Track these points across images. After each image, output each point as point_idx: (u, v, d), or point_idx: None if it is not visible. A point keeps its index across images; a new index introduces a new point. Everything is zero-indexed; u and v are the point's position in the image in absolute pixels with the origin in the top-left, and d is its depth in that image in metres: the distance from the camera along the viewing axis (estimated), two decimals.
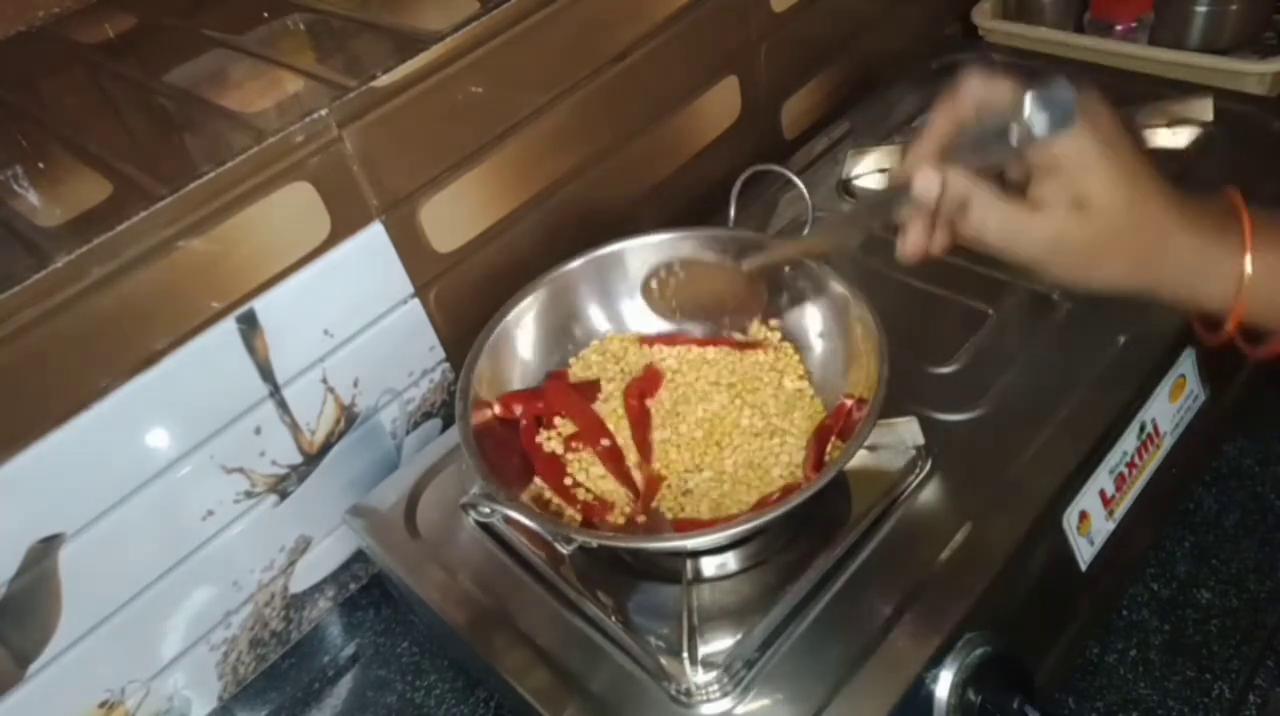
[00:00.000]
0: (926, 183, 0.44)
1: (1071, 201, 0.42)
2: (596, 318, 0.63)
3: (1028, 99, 0.40)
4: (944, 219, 0.45)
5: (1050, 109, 0.40)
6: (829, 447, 0.53)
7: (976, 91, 0.43)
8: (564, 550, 0.48)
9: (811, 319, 0.60)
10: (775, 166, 0.63)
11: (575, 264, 0.62)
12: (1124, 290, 0.44)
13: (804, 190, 0.60)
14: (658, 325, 0.64)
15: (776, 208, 0.77)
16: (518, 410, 0.58)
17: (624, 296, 0.63)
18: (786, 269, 0.60)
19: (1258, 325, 0.44)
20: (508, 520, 0.56)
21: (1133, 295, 0.44)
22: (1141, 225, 0.42)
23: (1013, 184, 0.45)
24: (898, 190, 0.45)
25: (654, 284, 0.61)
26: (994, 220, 0.43)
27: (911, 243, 0.46)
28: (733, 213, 0.63)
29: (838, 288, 0.57)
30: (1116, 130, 0.42)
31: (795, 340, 0.61)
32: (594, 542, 0.51)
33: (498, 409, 0.57)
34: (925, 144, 0.45)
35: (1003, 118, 0.41)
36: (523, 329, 0.60)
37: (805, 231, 0.60)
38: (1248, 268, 0.42)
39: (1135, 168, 0.42)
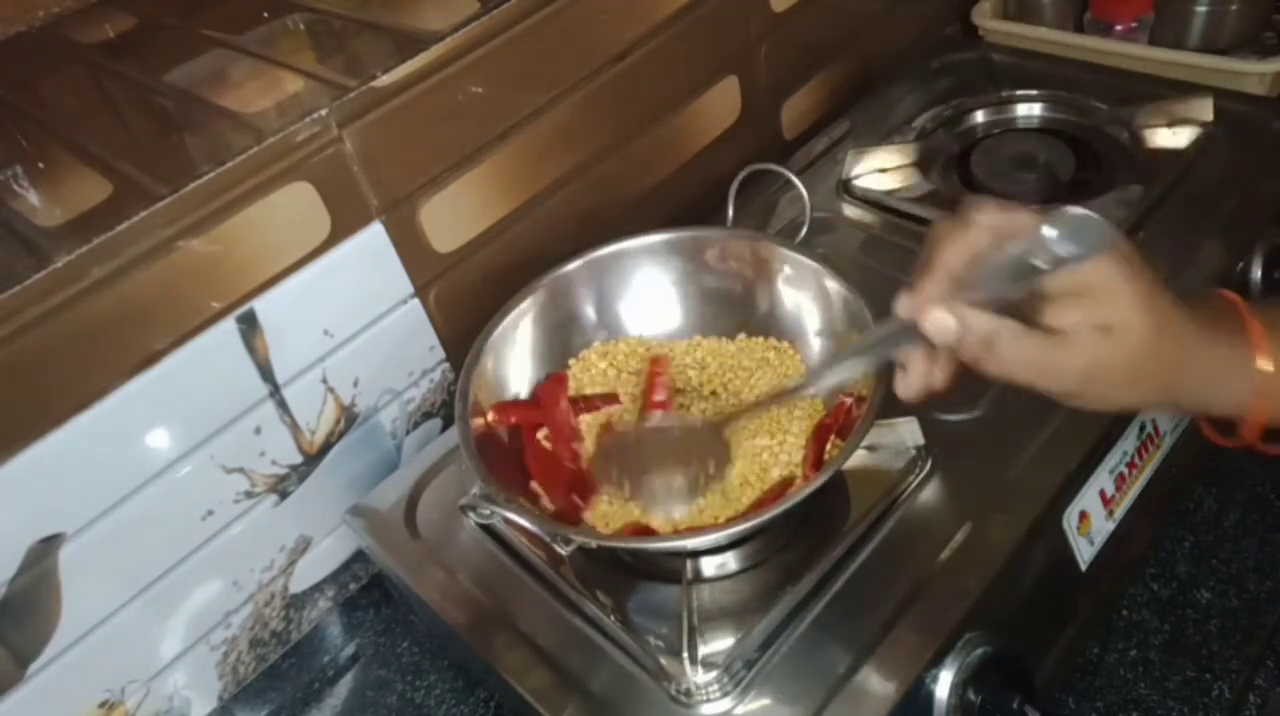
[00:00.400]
0: (942, 324, 0.41)
1: (1099, 328, 0.40)
2: (597, 318, 0.63)
3: (1056, 223, 0.39)
4: (954, 355, 0.43)
5: (1080, 233, 0.39)
6: (828, 446, 0.53)
7: (992, 221, 0.41)
8: (562, 551, 0.49)
9: (810, 317, 0.60)
10: (774, 166, 0.63)
11: (574, 265, 0.61)
12: (1149, 407, 0.44)
13: (802, 190, 0.61)
14: (659, 327, 0.64)
15: (776, 207, 0.77)
16: (512, 419, 0.58)
17: (623, 297, 0.63)
18: (785, 270, 0.60)
19: (1273, 423, 0.44)
20: (507, 521, 0.56)
21: (1154, 409, 0.43)
22: (1168, 344, 0.41)
23: (1021, 316, 0.42)
24: (904, 330, 0.42)
25: (611, 472, 0.54)
26: (1025, 355, 0.41)
27: (916, 381, 0.44)
28: (730, 212, 0.63)
29: (837, 287, 0.57)
30: (1134, 253, 0.41)
31: (795, 339, 0.61)
32: (593, 543, 0.51)
33: (491, 416, 0.56)
34: (934, 280, 0.42)
35: (1027, 245, 0.40)
36: (522, 331, 0.60)
37: (803, 232, 0.59)
38: (1262, 367, 0.42)
39: (1156, 287, 0.41)
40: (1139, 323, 0.41)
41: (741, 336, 0.62)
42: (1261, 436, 0.45)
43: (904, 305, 0.43)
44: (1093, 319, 0.41)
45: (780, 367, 0.60)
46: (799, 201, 0.76)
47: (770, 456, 0.55)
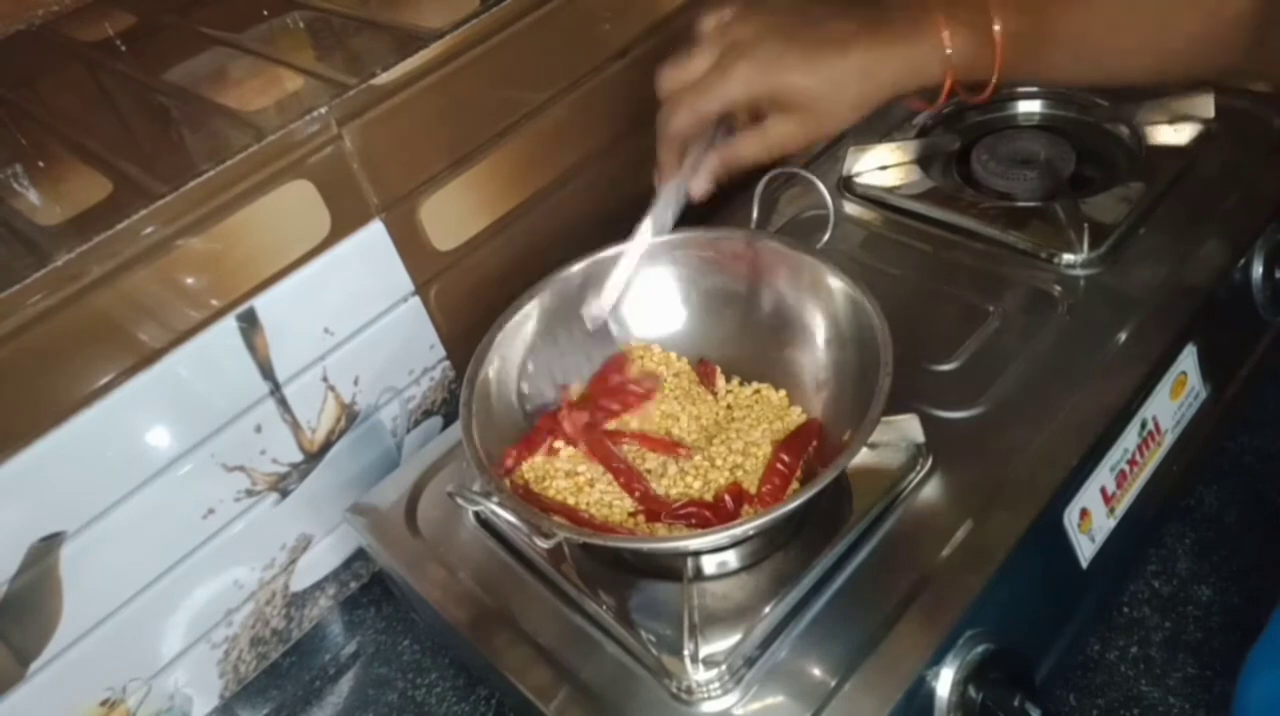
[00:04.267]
0: (700, 186, 0.58)
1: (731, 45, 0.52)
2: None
3: None
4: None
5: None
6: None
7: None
8: (543, 544, 0.48)
9: (814, 315, 0.59)
10: (799, 170, 0.63)
11: (579, 265, 0.61)
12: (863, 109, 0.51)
13: (826, 196, 0.60)
14: (660, 329, 0.64)
15: (776, 206, 0.76)
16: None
17: (627, 298, 0.63)
18: (789, 268, 0.60)
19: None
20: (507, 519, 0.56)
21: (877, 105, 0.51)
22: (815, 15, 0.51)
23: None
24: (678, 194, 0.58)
25: None
26: (745, 143, 0.54)
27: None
28: (755, 214, 0.62)
29: (840, 285, 0.57)
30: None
31: (797, 338, 0.60)
32: (579, 539, 0.51)
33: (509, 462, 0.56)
34: (673, 155, 0.57)
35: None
36: (527, 331, 0.60)
37: (826, 236, 0.60)
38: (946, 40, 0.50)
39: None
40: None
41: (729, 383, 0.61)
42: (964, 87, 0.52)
43: (666, 178, 0.58)
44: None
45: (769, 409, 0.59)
46: (799, 200, 0.76)
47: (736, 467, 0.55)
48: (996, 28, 0.49)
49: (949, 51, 0.50)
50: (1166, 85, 0.71)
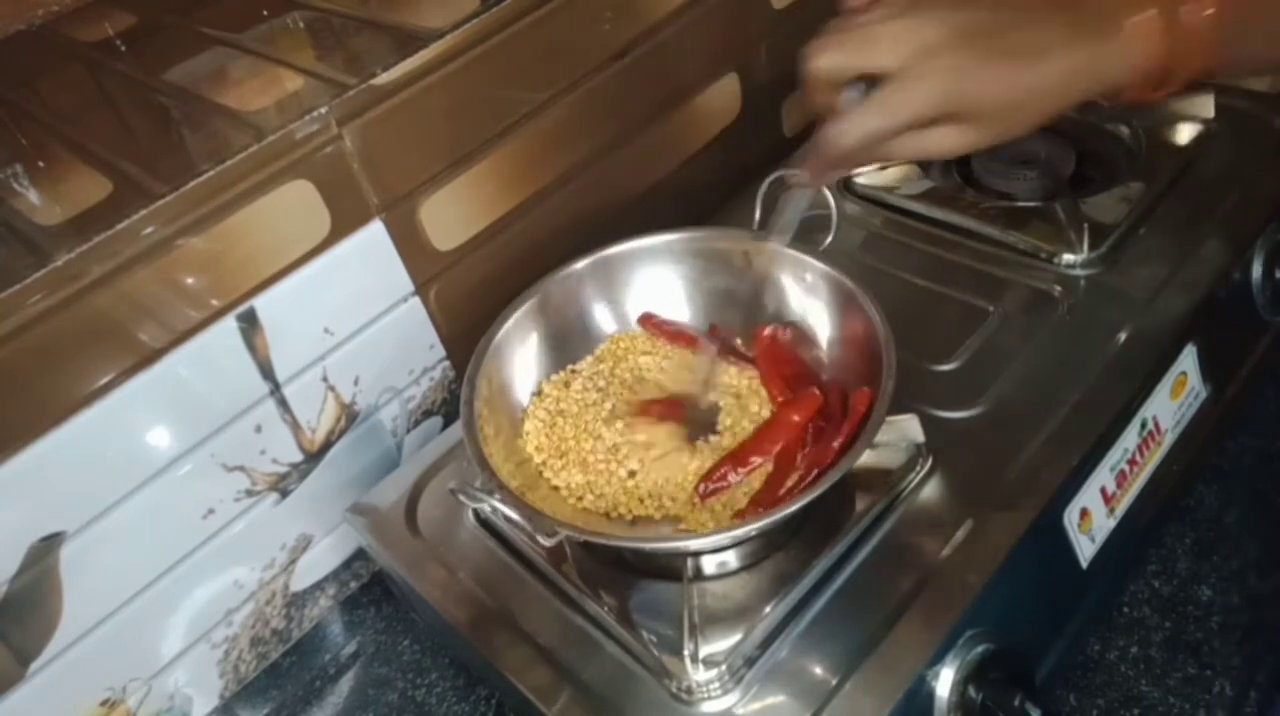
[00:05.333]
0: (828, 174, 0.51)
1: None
2: (600, 321, 0.63)
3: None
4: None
5: None
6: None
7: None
8: (545, 543, 0.48)
9: (816, 315, 0.60)
10: (799, 172, 0.63)
11: (579, 265, 0.61)
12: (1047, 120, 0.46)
13: (829, 199, 0.60)
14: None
15: (776, 205, 0.76)
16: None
17: (628, 298, 0.63)
18: (789, 269, 0.60)
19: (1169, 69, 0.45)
20: (507, 518, 0.56)
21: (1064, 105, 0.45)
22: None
23: None
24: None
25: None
26: (872, 119, 0.46)
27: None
28: (758, 215, 0.62)
29: (841, 284, 0.57)
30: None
31: (798, 337, 0.60)
32: (579, 538, 0.51)
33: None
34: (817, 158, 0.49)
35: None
36: (524, 334, 0.60)
37: (829, 237, 0.60)
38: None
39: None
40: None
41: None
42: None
43: (802, 180, 0.53)
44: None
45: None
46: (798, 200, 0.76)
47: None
48: (1208, 11, 0.43)
49: (1145, 50, 0.44)
50: None
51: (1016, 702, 0.48)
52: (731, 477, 0.54)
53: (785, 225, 0.56)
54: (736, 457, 0.54)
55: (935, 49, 0.43)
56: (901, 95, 0.44)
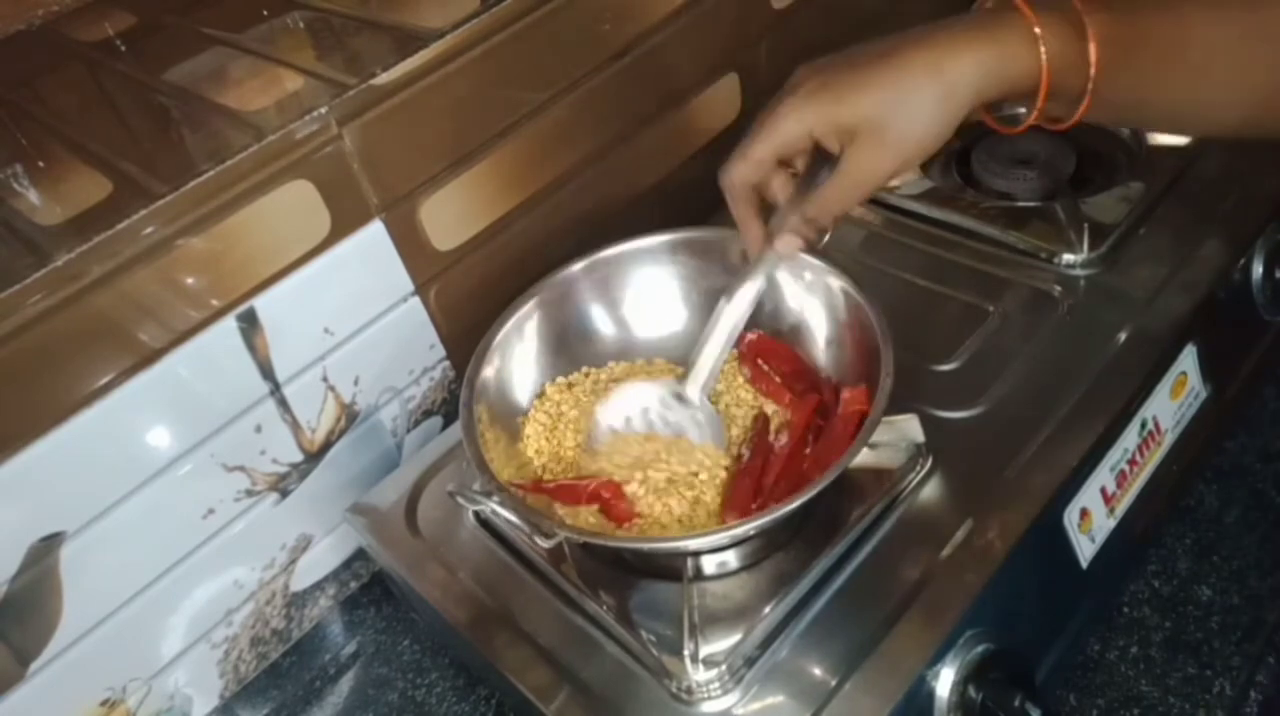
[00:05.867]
0: (789, 247, 0.52)
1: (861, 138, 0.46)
2: (599, 322, 0.63)
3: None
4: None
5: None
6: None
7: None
8: (544, 544, 0.48)
9: (814, 315, 0.60)
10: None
11: (578, 266, 0.61)
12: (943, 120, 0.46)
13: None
14: (661, 329, 0.64)
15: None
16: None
17: (627, 298, 0.63)
18: (789, 268, 0.60)
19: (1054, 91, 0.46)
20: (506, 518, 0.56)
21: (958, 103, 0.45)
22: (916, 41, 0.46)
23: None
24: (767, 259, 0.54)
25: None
26: (838, 190, 0.48)
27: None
28: None
29: (841, 284, 0.57)
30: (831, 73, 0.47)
31: (798, 336, 0.60)
32: (579, 539, 0.51)
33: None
34: (753, 222, 0.52)
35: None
36: (524, 335, 0.60)
37: (827, 237, 0.60)
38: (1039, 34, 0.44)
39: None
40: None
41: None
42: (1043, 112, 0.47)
43: (754, 247, 0.54)
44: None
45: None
46: None
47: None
48: (1091, 44, 0.44)
49: (1040, 46, 0.44)
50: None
51: (1016, 703, 0.48)
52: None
53: (744, 290, 0.55)
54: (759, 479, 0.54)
55: (799, 81, 0.47)
56: (765, 115, 0.47)
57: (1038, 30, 0.44)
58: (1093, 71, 0.44)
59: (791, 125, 0.46)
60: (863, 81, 0.45)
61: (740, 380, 0.60)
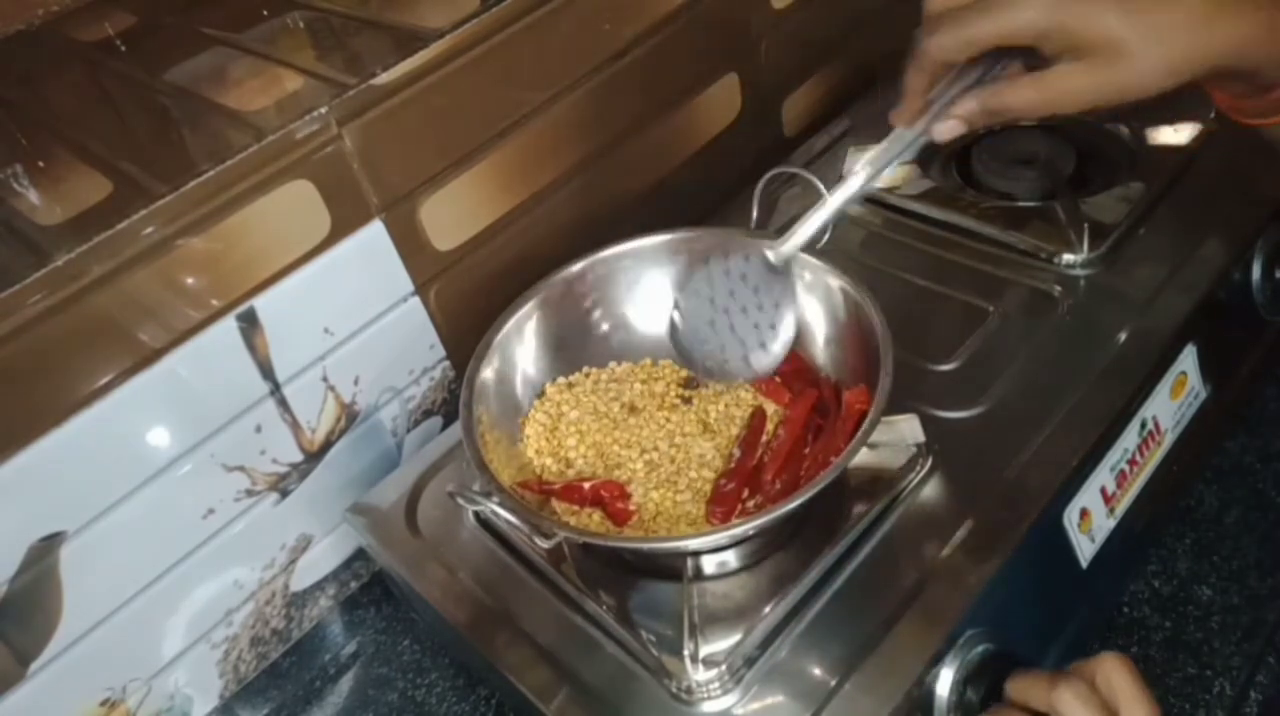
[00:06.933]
0: (949, 129, 0.45)
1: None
2: (599, 322, 0.63)
3: None
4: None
5: None
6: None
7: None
8: (544, 544, 0.48)
9: (815, 315, 0.59)
10: (798, 170, 0.63)
11: (578, 266, 0.61)
12: (1182, 74, 0.41)
13: (826, 194, 0.60)
14: (660, 328, 0.63)
15: (777, 205, 0.76)
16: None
17: (627, 299, 0.63)
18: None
19: None
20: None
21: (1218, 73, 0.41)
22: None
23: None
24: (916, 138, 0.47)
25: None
26: (1028, 94, 0.42)
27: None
28: (755, 213, 0.62)
29: (841, 284, 0.57)
30: None
31: (799, 336, 0.60)
32: (579, 539, 0.51)
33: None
34: (919, 90, 0.45)
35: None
36: (524, 335, 0.60)
37: (826, 236, 0.60)
38: None
39: None
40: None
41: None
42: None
43: (904, 119, 0.46)
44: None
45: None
46: (799, 200, 0.76)
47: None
48: None
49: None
50: None
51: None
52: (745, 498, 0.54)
53: (879, 162, 0.49)
54: (749, 478, 0.54)
55: None
56: (1006, 2, 0.40)
57: None
58: None
59: (1031, 17, 0.40)
60: (1112, 11, 0.39)
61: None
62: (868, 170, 0.49)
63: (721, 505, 0.52)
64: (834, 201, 0.50)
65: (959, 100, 0.45)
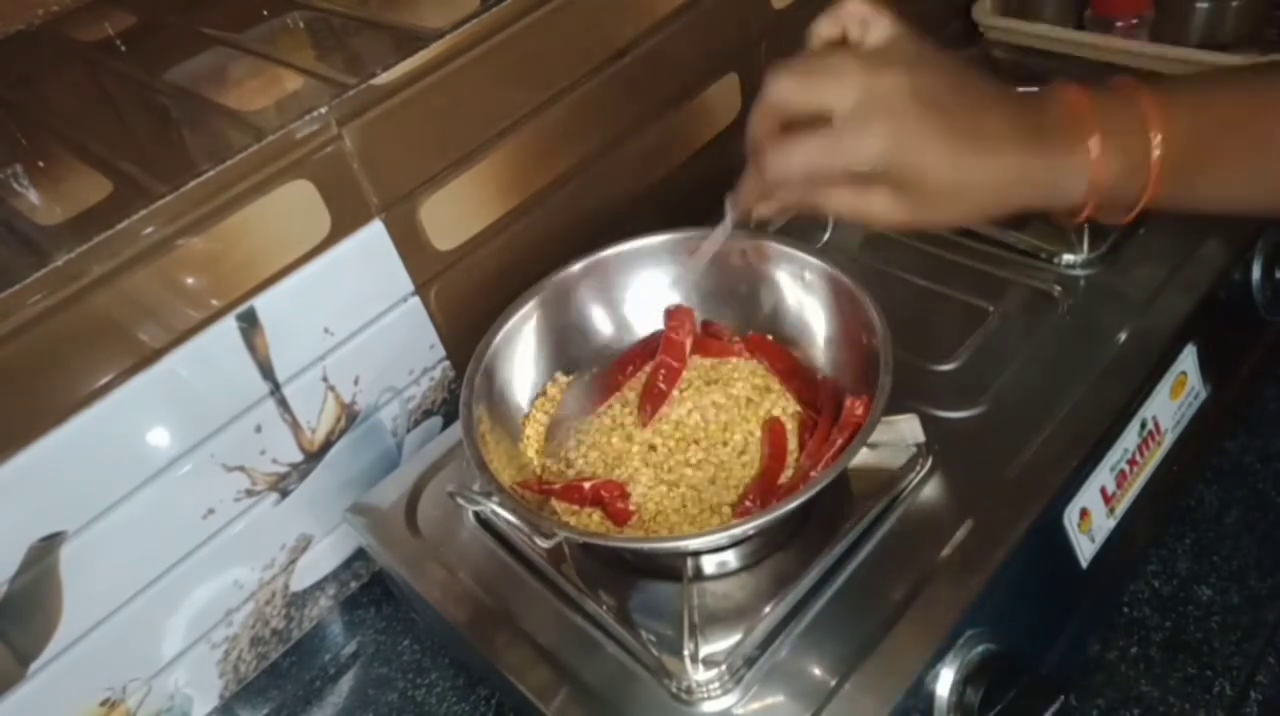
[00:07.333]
0: (769, 211, 0.50)
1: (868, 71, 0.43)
2: (599, 322, 0.63)
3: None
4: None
5: None
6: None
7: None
8: (544, 544, 0.48)
9: (814, 315, 0.60)
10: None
11: (578, 266, 0.61)
12: (987, 215, 0.44)
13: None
14: (660, 328, 0.64)
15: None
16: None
17: (627, 299, 0.63)
18: (789, 268, 0.60)
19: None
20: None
21: (1001, 195, 0.44)
22: (963, 92, 0.43)
23: None
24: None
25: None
26: (839, 196, 0.45)
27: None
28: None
29: (841, 284, 0.57)
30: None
31: (800, 337, 0.60)
32: (579, 539, 0.51)
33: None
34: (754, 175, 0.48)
35: None
36: (524, 335, 0.60)
37: (826, 236, 0.60)
38: (1094, 150, 0.43)
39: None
40: (907, 52, 0.44)
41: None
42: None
43: (742, 207, 0.51)
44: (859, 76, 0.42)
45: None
46: None
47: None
48: (1155, 153, 0.43)
49: (1095, 177, 0.43)
50: None
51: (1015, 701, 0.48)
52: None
53: (699, 256, 0.56)
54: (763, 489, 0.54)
55: (893, 105, 0.42)
56: (847, 135, 0.42)
57: (1096, 171, 0.43)
58: (1143, 201, 0.44)
59: (874, 157, 0.42)
60: (955, 155, 0.42)
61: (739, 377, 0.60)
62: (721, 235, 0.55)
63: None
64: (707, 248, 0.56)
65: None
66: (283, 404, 0.61)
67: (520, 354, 0.60)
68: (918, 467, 0.55)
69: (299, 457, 0.64)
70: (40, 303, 0.49)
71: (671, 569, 0.52)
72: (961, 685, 0.48)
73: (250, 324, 0.58)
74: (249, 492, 0.62)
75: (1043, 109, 0.44)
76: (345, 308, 0.62)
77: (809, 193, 0.46)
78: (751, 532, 0.51)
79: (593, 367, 0.63)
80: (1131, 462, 0.58)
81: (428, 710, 0.63)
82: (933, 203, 0.43)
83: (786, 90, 0.44)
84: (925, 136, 0.42)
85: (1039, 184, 0.43)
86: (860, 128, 0.42)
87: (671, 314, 0.62)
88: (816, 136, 0.43)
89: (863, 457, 0.54)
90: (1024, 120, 0.43)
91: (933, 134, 0.42)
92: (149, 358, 0.54)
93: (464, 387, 0.55)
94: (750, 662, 0.48)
